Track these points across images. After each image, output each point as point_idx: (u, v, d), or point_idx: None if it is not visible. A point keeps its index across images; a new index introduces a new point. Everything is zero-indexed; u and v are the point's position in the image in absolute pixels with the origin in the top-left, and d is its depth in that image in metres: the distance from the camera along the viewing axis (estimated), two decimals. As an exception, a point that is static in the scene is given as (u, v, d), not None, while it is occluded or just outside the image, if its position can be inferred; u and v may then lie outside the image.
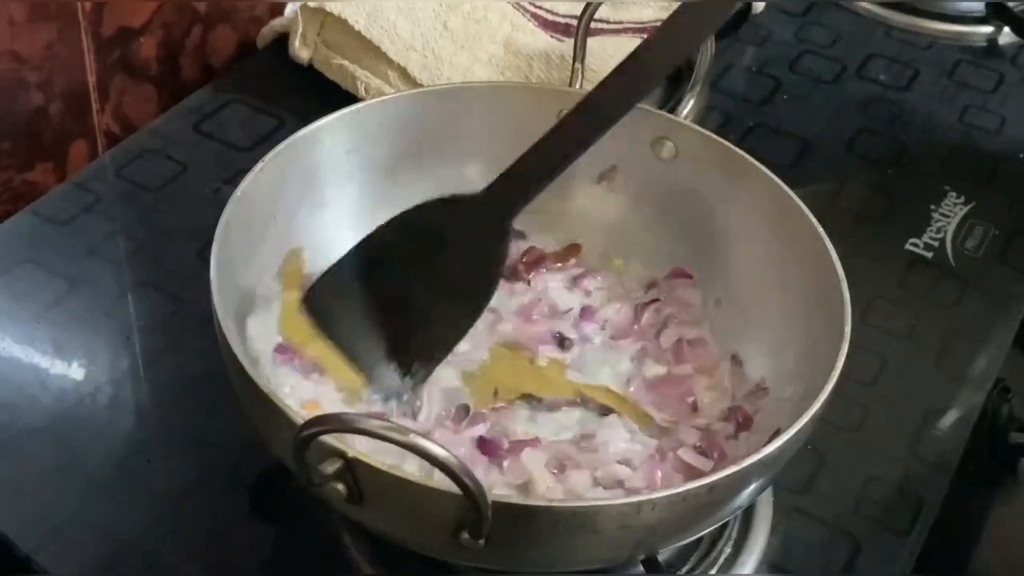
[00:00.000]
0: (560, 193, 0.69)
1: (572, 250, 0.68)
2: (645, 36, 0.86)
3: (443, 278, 0.60)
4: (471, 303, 0.60)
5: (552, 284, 0.66)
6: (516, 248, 0.67)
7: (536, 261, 0.67)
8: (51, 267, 0.71)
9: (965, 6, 1.00)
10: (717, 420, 0.60)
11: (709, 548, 0.60)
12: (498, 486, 0.56)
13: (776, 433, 0.52)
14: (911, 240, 0.79)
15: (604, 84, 0.59)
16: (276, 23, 0.89)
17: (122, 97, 0.83)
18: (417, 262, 0.61)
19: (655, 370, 0.63)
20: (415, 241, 0.61)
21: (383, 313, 0.60)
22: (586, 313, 0.65)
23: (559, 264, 0.67)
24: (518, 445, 0.57)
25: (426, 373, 0.59)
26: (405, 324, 0.60)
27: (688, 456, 0.57)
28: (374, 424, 0.45)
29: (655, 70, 0.59)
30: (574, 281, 0.67)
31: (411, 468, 0.49)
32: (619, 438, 0.58)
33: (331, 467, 0.47)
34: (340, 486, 0.48)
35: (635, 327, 0.64)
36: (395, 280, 0.61)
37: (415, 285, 0.60)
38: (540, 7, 0.89)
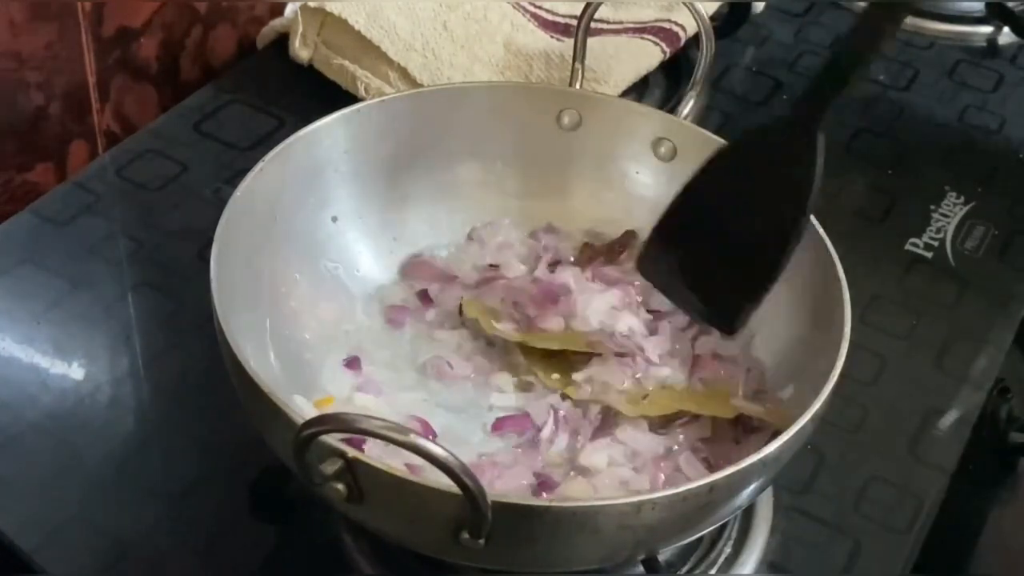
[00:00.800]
0: (561, 192, 0.70)
1: (628, 236, 0.68)
2: (645, 36, 0.86)
3: (761, 208, 0.58)
4: (790, 225, 0.56)
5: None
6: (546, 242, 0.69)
7: (589, 258, 0.67)
8: (51, 267, 0.71)
9: (965, 6, 1.00)
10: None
11: (709, 548, 0.60)
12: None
13: (776, 433, 0.52)
14: (911, 240, 0.79)
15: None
16: (276, 23, 0.89)
17: (122, 97, 0.83)
18: (733, 200, 0.59)
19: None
20: (728, 180, 0.59)
21: (709, 261, 0.59)
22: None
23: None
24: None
25: (748, 314, 0.58)
26: (729, 265, 0.58)
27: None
28: (374, 424, 0.45)
29: None
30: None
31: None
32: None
33: (331, 467, 0.47)
34: (340, 486, 0.48)
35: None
36: (714, 224, 0.59)
37: (736, 221, 0.58)
38: (540, 7, 0.89)
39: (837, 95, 0.56)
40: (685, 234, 0.60)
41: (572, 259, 0.67)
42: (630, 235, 0.67)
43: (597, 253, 0.67)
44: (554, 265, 0.67)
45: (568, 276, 0.65)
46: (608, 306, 0.65)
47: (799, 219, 0.56)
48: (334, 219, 0.66)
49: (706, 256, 0.59)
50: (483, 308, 0.64)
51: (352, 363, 0.62)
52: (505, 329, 0.63)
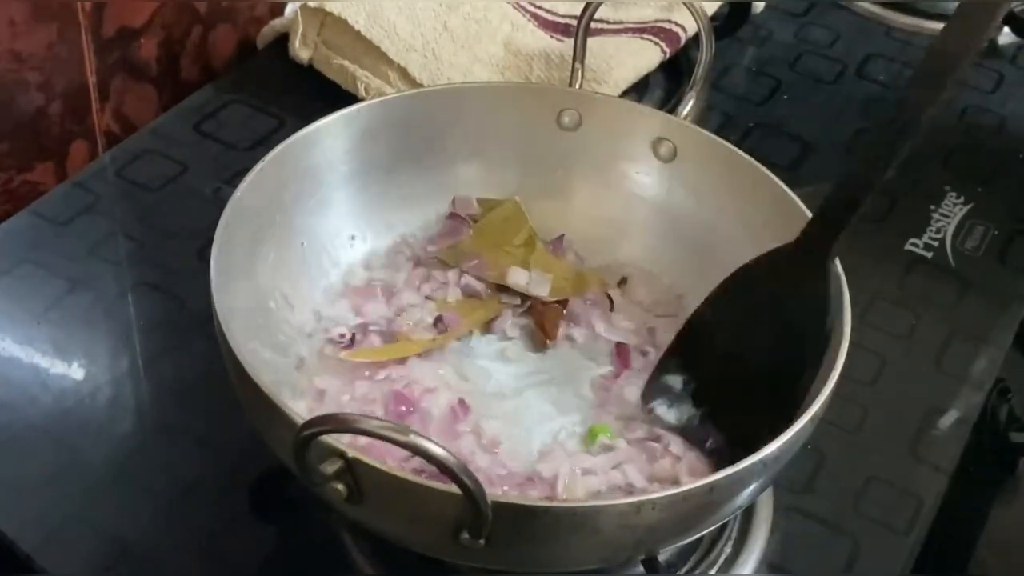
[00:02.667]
0: (561, 192, 0.70)
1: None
2: (645, 36, 0.86)
3: (772, 340, 0.57)
4: (809, 353, 0.56)
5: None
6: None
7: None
8: (51, 267, 0.71)
9: (965, 6, 0.99)
10: None
11: (709, 548, 0.60)
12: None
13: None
14: (911, 240, 0.79)
15: (905, 98, 0.56)
16: (276, 23, 0.89)
17: (122, 97, 0.83)
18: (744, 331, 0.59)
19: None
20: (744, 304, 0.59)
21: (723, 391, 0.59)
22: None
23: None
24: None
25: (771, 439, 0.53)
26: (742, 400, 0.57)
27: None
28: (374, 424, 0.45)
29: (950, 69, 0.54)
30: None
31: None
32: None
33: (331, 467, 0.47)
34: (340, 486, 0.48)
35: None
36: (727, 356, 0.59)
37: (747, 355, 0.58)
38: (540, 7, 0.89)
39: (848, 222, 0.55)
40: (695, 364, 0.60)
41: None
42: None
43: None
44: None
45: None
46: None
47: (815, 350, 0.55)
48: (334, 219, 0.66)
49: (718, 386, 0.59)
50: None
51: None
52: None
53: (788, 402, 0.55)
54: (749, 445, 0.50)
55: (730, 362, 0.59)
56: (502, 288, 0.66)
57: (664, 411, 0.60)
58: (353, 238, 0.66)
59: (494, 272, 0.66)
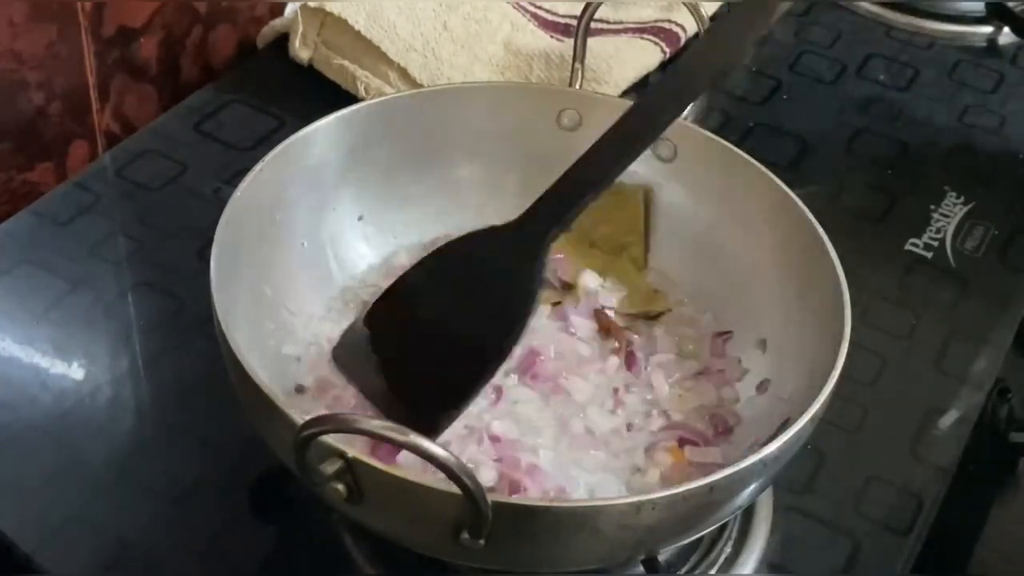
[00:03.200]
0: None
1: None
2: (645, 36, 0.86)
3: (476, 313, 0.58)
4: (504, 337, 0.57)
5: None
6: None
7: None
8: (51, 267, 0.71)
9: (965, 6, 1.00)
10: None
11: (709, 548, 0.60)
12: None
13: (776, 433, 0.52)
14: (911, 240, 0.79)
15: (638, 104, 0.58)
16: (276, 23, 0.89)
17: (122, 97, 0.83)
18: (451, 299, 0.59)
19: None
20: (449, 278, 0.59)
21: (411, 359, 0.59)
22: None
23: None
24: None
25: (449, 421, 0.57)
26: (435, 367, 0.58)
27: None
28: (374, 424, 0.45)
29: (694, 84, 0.58)
30: None
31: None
32: None
33: (331, 467, 0.47)
34: (340, 486, 0.48)
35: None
36: (425, 322, 0.59)
37: (449, 324, 0.58)
38: (540, 7, 0.89)
39: (570, 218, 0.58)
40: (391, 327, 0.59)
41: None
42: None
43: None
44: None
45: None
46: None
47: (510, 336, 0.57)
48: (360, 218, 0.66)
49: (411, 354, 0.58)
50: None
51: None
52: None
53: (471, 384, 0.57)
54: (430, 422, 0.55)
55: (424, 331, 0.59)
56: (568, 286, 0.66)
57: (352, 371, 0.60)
58: (361, 217, 0.66)
59: (569, 271, 0.66)
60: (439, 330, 0.59)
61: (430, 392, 0.58)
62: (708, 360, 0.63)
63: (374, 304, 0.61)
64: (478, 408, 0.59)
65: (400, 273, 0.66)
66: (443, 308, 0.59)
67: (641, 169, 0.68)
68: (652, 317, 0.66)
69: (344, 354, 0.61)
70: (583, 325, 0.64)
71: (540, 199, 0.59)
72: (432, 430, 0.56)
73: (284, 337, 0.62)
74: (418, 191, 0.68)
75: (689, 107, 0.68)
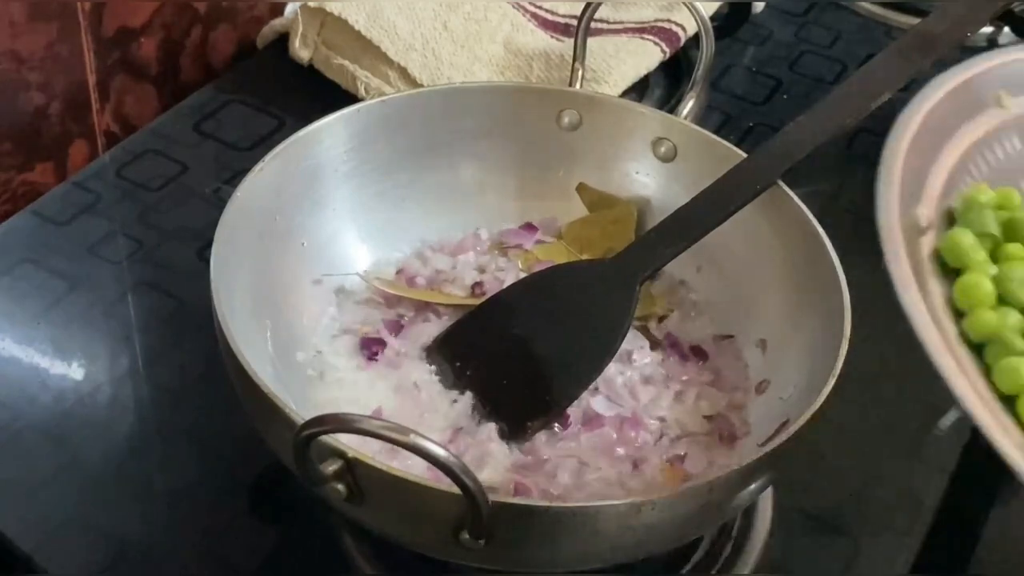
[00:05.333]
0: (561, 192, 0.69)
1: None
2: (645, 36, 0.86)
3: (567, 336, 0.61)
4: (595, 359, 0.60)
5: None
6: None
7: None
8: (51, 267, 0.71)
9: (965, 6, 0.99)
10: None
11: (709, 548, 0.60)
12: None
13: (776, 433, 0.52)
14: (911, 240, 0.79)
15: (749, 159, 0.61)
16: (276, 23, 0.89)
17: (122, 97, 0.83)
18: (543, 321, 0.61)
19: None
20: (542, 301, 0.62)
21: (506, 367, 0.60)
22: None
23: None
24: None
25: (534, 431, 0.58)
26: (527, 378, 0.60)
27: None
28: (374, 424, 0.45)
29: (804, 143, 0.61)
30: None
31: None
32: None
33: (331, 467, 0.47)
34: (340, 486, 0.48)
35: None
36: (518, 338, 0.61)
37: (540, 341, 0.61)
38: (540, 7, 0.89)
39: (665, 261, 0.61)
40: (482, 340, 0.62)
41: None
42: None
43: None
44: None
45: None
46: None
47: (602, 360, 0.60)
48: (358, 219, 0.66)
49: (501, 367, 0.60)
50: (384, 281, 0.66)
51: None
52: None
53: (559, 402, 0.59)
54: (515, 432, 0.57)
55: (514, 349, 0.61)
56: None
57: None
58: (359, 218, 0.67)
59: None
60: (531, 347, 0.61)
61: (519, 403, 0.59)
62: (713, 363, 0.63)
63: (467, 316, 0.63)
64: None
65: (400, 273, 0.66)
66: (537, 327, 0.61)
67: (641, 169, 0.68)
68: (651, 320, 0.66)
69: (439, 353, 0.62)
70: None
71: (640, 240, 0.63)
72: (522, 435, 0.58)
73: (284, 337, 0.62)
74: (418, 191, 0.68)
75: (689, 105, 0.68)
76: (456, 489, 0.45)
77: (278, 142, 0.62)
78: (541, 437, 0.58)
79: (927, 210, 0.49)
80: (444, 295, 0.65)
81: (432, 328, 0.63)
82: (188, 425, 0.64)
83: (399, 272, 0.67)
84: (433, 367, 0.61)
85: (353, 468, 0.47)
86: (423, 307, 0.65)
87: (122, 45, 0.81)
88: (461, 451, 0.57)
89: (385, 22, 0.82)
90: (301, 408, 0.50)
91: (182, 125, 0.83)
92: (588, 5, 0.70)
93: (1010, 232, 0.49)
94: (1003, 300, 0.45)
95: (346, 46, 0.84)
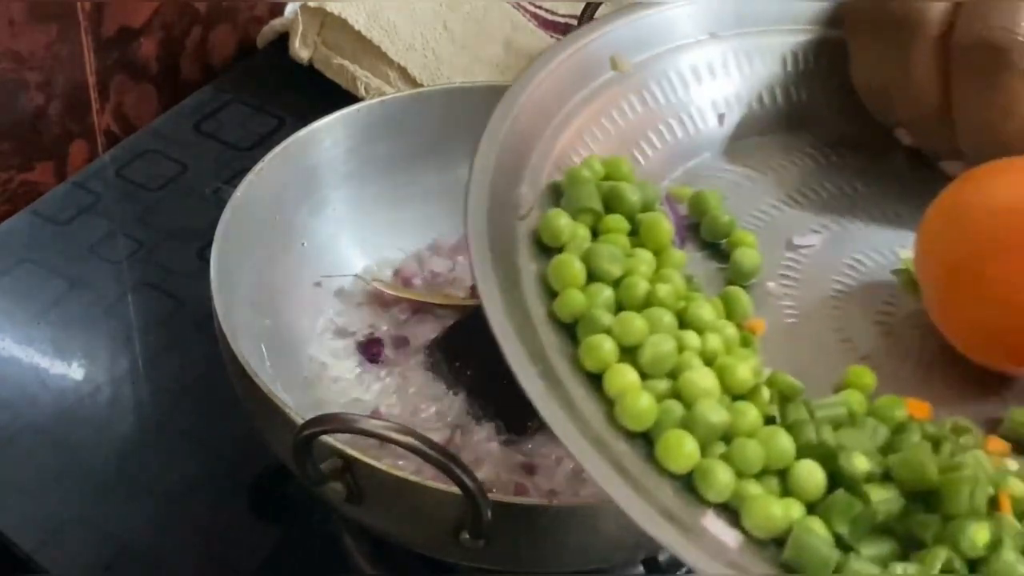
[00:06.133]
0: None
1: None
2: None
3: None
4: None
5: None
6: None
7: None
8: (51, 267, 0.71)
9: (965, 6, 0.99)
10: None
11: (709, 548, 0.60)
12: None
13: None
14: (911, 240, 0.79)
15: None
16: (276, 23, 0.89)
17: (122, 97, 0.83)
18: None
19: None
20: None
21: (502, 369, 0.60)
22: None
23: None
24: None
25: (536, 428, 0.58)
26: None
27: None
28: (374, 424, 0.45)
29: None
30: None
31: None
32: None
33: (331, 467, 0.47)
34: (340, 486, 0.48)
35: None
36: None
37: None
38: (540, 7, 0.89)
39: None
40: (482, 340, 0.61)
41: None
42: None
43: None
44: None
45: None
46: None
47: None
48: (333, 219, 0.66)
49: (499, 367, 0.59)
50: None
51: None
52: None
53: None
54: (518, 428, 0.57)
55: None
56: None
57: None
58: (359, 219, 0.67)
59: None
60: None
61: (518, 402, 0.58)
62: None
63: (461, 319, 0.62)
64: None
65: (398, 274, 0.66)
66: None
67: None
68: None
69: (441, 350, 0.62)
70: None
71: None
72: (521, 433, 0.58)
73: (284, 337, 0.62)
74: (418, 191, 0.68)
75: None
76: (456, 489, 0.45)
77: (278, 142, 0.62)
78: (539, 437, 0.58)
79: (528, 189, 0.47)
80: (442, 296, 0.65)
81: (431, 328, 0.63)
82: (188, 425, 0.64)
83: (397, 272, 0.67)
84: (432, 367, 0.61)
85: (353, 468, 0.47)
86: (422, 308, 0.65)
87: (122, 45, 0.81)
88: (460, 450, 0.57)
89: (385, 22, 0.82)
90: (301, 408, 0.50)
91: (182, 125, 0.83)
92: (588, 5, 0.70)
93: (612, 203, 0.47)
94: (594, 277, 0.44)
95: (346, 46, 0.83)
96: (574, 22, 0.75)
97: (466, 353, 0.61)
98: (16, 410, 0.64)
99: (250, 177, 0.60)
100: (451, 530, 0.47)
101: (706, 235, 0.50)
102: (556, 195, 0.48)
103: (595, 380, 0.42)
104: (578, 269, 0.44)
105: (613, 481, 0.38)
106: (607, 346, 0.42)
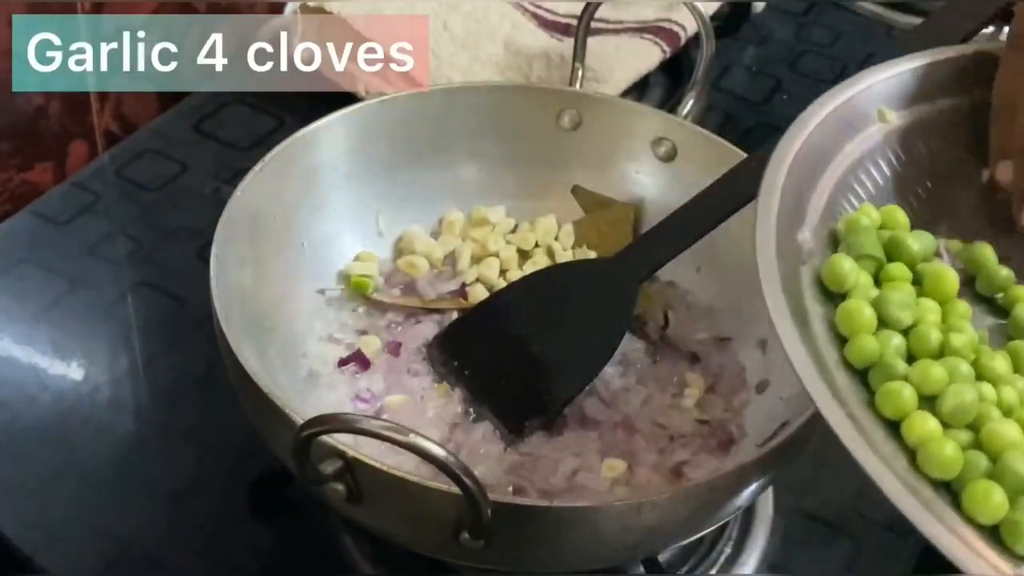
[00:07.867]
0: (561, 192, 0.70)
1: None
2: (645, 36, 0.86)
3: (565, 336, 0.61)
4: (593, 359, 0.60)
5: None
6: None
7: None
8: (51, 267, 0.71)
9: (966, 6, 0.99)
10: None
11: (709, 548, 0.60)
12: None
13: (776, 433, 0.52)
14: (911, 240, 0.79)
15: (750, 159, 0.60)
16: (276, 23, 0.89)
17: (122, 97, 0.83)
18: (541, 321, 0.61)
19: None
20: (540, 300, 0.62)
21: (504, 366, 0.61)
22: None
23: None
24: None
25: (533, 430, 0.59)
26: (525, 377, 0.60)
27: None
28: (374, 424, 0.45)
29: None
30: None
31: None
32: None
33: (331, 467, 0.47)
34: (340, 486, 0.48)
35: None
36: (516, 338, 0.61)
37: (539, 341, 0.61)
38: (540, 7, 0.89)
39: (664, 261, 0.61)
40: (480, 340, 0.62)
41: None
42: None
43: None
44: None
45: None
46: None
47: (601, 358, 0.60)
48: (333, 219, 0.66)
49: (499, 366, 0.61)
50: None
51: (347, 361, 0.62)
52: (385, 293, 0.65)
53: (558, 399, 0.59)
54: (514, 427, 0.58)
55: (513, 345, 0.61)
56: None
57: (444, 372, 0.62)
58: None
59: None
60: (529, 347, 0.61)
61: (516, 402, 0.59)
62: (710, 367, 0.63)
63: (462, 318, 0.63)
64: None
65: (397, 274, 0.66)
66: (535, 327, 0.61)
67: (641, 169, 0.68)
68: (649, 320, 0.65)
69: (440, 350, 0.62)
70: None
71: (639, 241, 0.63)
72: (518, 433, 0.58)
73: (284, 337, 0.62)
74: (418, 191, 0.68)
75: (689, 105, 0.68)
76: (456, 489, 0.45)
77: (278, 142, 0.62)
78: (537, 437, 0.58)
79: (810, 234, 0.48)
80: (439, 299, 0.65)
81: (429, 328, 0.64)
82: (188, 425, 0.64)
83: (396, 272, 0.66)
84: (431, 366, 0.61)
85: (353, 468, 0.47)
86: (421, 308, 0.65)
87: (122, 45, 0.81)
88: (457, 450, 0.57)
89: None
90: (300, 408, 0.50)
91: (182, 125, 0.82)
92: (588, 5, 0.70)
93: (893, 251, 0.48)
94: (884, 324, 0.45)
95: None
96: (574, 22, 0.75)
97: (465, 352, 0.61)
98: (16, 410, 0.64)
99: (250, 177, 0.60)
100: (451, 530, 0.47)
101: (981, 289, 0.50)
102: (834, 242, 0.49)
103: (890, 425, 0.42)
104: (869, 315, 0.45)
105: (935, 527, 0.38)
106: (906, 393, 0.42)
